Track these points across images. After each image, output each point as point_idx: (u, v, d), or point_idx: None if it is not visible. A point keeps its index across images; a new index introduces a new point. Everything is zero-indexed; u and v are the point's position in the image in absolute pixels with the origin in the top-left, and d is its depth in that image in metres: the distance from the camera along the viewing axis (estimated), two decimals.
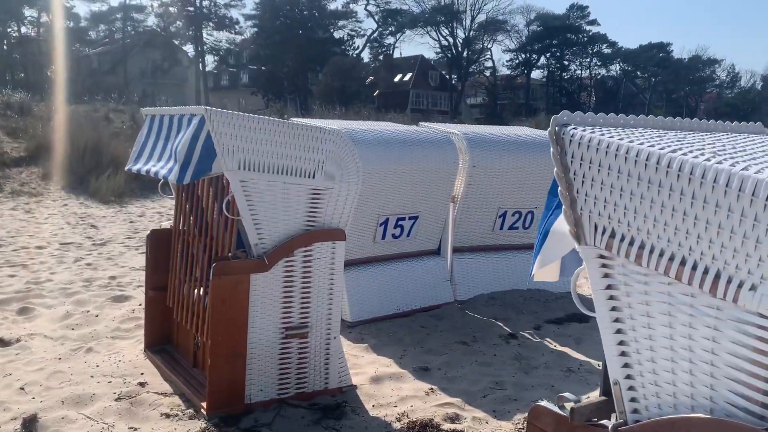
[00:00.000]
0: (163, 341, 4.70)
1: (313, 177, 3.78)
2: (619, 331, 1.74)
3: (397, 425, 3.65)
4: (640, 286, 1.67)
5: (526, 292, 6.42)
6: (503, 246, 6.50)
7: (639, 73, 78.68)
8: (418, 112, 45.36)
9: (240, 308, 3.63)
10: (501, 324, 5.58)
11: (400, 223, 5.71)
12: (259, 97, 53.68)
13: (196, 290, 4.14)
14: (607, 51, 76.71)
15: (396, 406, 3.91)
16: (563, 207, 1.83)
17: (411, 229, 5.80)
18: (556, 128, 1.83)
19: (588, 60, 77.48)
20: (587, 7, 74.82)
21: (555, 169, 1.83)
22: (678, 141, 1.76)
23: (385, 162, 5.35)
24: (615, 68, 79.09)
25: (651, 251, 1.63)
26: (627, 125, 1.92)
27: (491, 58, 78.34)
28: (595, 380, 4.37)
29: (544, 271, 2.37)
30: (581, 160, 1.77)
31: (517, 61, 71.06)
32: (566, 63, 78.23)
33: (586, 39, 75.71)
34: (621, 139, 1.72)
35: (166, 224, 4.93)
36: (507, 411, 3.89)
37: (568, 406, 1.85)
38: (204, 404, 3.67)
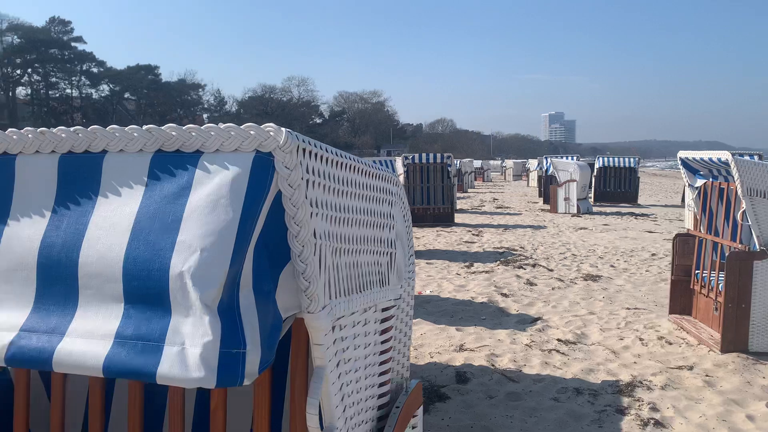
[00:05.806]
0: None
1: None
2: None
3: None
4: None
5: None
6: None
7: (130, 94, 78.85)
8: None
9: None
10: None
11: None
12: None
13: None
14: (95, 70, 75.76)
15: None
16: None
17: None
18: None
19: (77, 78, 75.10)
20: (70, 22, 74.63)
21: None
22: None
23: None
24: (105, 88, 78.06)
25: None
26: None
27: None
28: None
29: None
30: None
31: None
32: (54, 81, 74.46)
33: (72, 56, 74.17)
34: None
35: None
36: None
37: None
38: None
